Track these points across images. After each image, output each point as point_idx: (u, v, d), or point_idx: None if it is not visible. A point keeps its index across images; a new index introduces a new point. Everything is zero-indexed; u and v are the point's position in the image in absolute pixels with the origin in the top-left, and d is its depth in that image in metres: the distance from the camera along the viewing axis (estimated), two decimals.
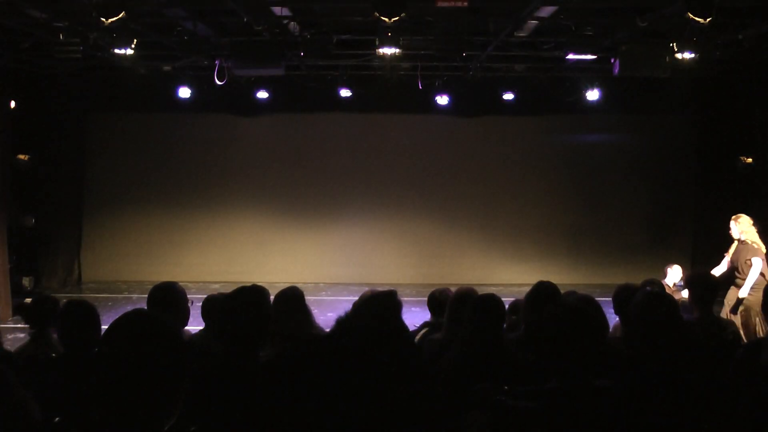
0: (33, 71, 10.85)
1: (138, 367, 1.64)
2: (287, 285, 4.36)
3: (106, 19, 6.12)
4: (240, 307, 3.03)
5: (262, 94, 11.83)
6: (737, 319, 7.30)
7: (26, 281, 11.52)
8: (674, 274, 8.47)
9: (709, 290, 4.48)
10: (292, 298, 4.20)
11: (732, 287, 7.53)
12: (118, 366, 1.65)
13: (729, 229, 7.68)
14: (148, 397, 1.64)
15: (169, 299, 3.81)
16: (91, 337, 3.61)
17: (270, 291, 3.32)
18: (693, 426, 2.65)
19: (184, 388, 1.71)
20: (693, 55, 7.61)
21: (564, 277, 10.49)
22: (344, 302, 9.69)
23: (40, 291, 11.28)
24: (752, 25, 7.69)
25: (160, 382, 1.66)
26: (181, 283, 4.05)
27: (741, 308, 7.38)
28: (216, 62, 9.20)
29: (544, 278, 4.56)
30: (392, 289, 3.65)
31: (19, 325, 8.47)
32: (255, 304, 3.07)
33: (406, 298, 3.81)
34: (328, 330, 1.92)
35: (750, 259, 7.40)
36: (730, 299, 7.51)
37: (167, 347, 1.69)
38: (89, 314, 3.66)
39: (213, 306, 4.40)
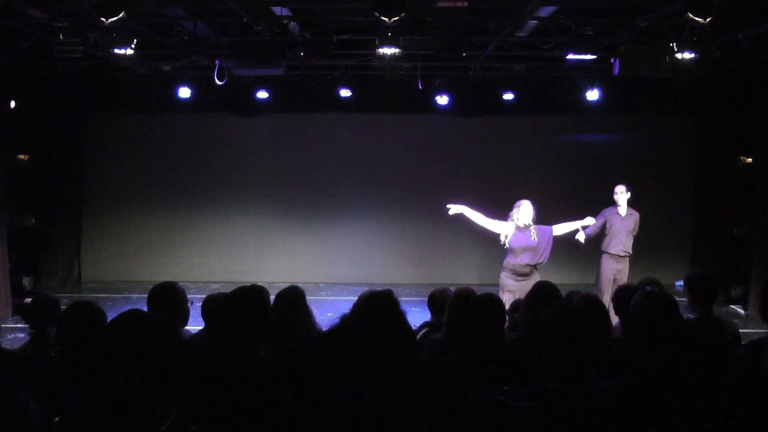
0: (33, 71, 10.84)
1: (134, 366, 1.64)
2: (287, 285, 4.35)
3: (106, 19, 6.11)
4: (240, 308, 3.03)
5: (262, 94, 11.83)
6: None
7: (26, 281, 11.51)
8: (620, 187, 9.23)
9: (708, 290, 4.47)
10: (293, 297, 4.18)
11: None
12: (114, 365, 1.65)
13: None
14: (144, 396, 1.64)
15: (168, 299, 3.81)
16: (90, 339, 3.60)
17: (270, 291, 3.32)
18: (693, 426, 2.65)
19: (181, 388, 1.71)
20: (693, 55, 7.60)
21: (564, 277, 10.49)
22: (344, 302, 9.70)
23: (40, 291, 11.27)
24: (752, 25, 7.69)
25: (157, 382, 1.66)
26: (181, 283, 4.05)
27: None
28: (216, 62, 9.19)
29: (544, 278, 4.57)
30: (388, 288, 3.66)
31: (19, 325, 8.48)
32: (255, 304, 3.07)
33: (406, 298, 3.82)
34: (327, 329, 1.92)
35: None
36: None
37: (164, 347, 1.69)
38: (92, 317, 3.65)
39: (213, 306, 4.41)
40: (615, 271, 9.06)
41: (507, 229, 7.82)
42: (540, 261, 7.79)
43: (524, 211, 7.75)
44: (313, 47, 8.28)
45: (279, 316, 3.91)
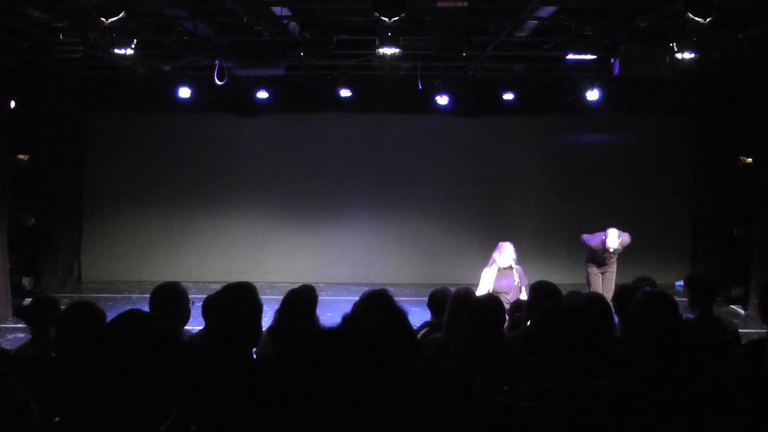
0: (33, 71, 10.85)
1: (134, 366, 1.64)
2: (287, 285, 4.32)
3: (106, 19, 6.11)
4: (227, 305, 3.04)
5: (262, 94, 11.83)
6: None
7: (26, 281, 11.51)
8: (613, 238, 8.84)
9: (708, 290, 4.47)
10: (302, 301, 4.13)
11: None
12: (114, 365, 1.64)
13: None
14: (143, 396, 1.64)
15: (171, 299, 3.81)
16: (90, 339, 3.59)
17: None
18: (693, 426, 2.65)
19: (180, 388, 1.71)
20: (693, 55, 7.60)
21: (564, 277, 10.48)
22: (344, 302, 9.70)
23: (40, 291, 11.27)
24: (752, 25, 7.69)
25: (156, 382, 1.66)
26: (181, 283, 4.04)
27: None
28: (216, 62, 9.19)
29: (544, 278, 4.57)
30: (383, 287, 3.67)
31: (19, 325, 8.47)
32: (242, 300, 3.07)
33: (406, 298, 3.82)
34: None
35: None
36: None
37: (163, 346, 1.69)
38: (92, 317, 3.64)
39: (213, 306, 4.41)
40: (602, 269, 9.20)
41: (490, 273, 7.83)
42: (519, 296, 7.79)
43: (506, 253, 7.75)
44: (313, 47, 8.28)
45: (284, 315, 3.91)
